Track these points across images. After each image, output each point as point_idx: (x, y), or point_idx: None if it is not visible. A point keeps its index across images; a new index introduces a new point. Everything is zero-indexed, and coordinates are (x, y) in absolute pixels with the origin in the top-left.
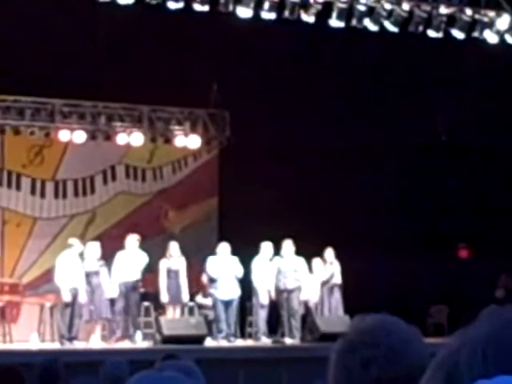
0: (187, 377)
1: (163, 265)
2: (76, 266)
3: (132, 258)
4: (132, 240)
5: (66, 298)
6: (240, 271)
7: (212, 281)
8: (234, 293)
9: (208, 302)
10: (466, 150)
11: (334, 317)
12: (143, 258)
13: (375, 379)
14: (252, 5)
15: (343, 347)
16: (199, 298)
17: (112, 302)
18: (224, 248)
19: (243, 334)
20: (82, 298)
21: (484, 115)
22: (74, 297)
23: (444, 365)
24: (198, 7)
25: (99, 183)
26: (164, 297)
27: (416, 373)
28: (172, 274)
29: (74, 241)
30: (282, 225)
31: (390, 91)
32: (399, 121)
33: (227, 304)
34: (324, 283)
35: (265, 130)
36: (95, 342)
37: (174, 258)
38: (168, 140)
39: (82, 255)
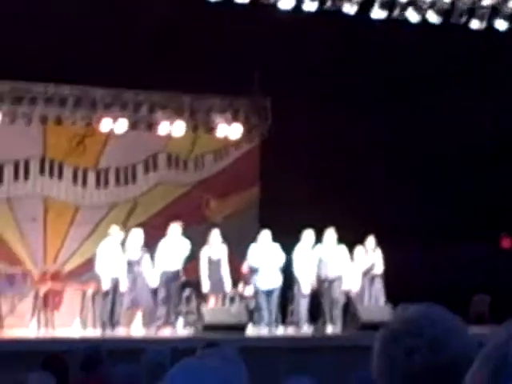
0: (229, 364)
1: (204, 253)
2: (117, 254)
3: (175, 246)
4: (175, 228)
5: (106, 286)
6: (282, 259)
7: (253, 270)
8: (275, 282)
9: (249, 291)
10: (509, 139)
11: (375, 306)
12: (186, 246)
13: (419, 368)
14: None
15: (387, 336)
16: (240, 287)
17: (153, 290)
18: (265, 236)
19: (284, 323)
20: (123, 287)
21: None
22: (115, 285)
23: (492, 356)
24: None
25: (141, 172)
26: (205, 286)
27: (460, 362)
28: (213, 263)
29: (114, 229)
30: (323, 213)
31: (431, 82)
32: (441, 112)
33: (268, 293)
34: (365, 272)
35: (306, 119)
36: (136, 329)
37: (216, 247)
38: (209, 129)
39: (123, 243)
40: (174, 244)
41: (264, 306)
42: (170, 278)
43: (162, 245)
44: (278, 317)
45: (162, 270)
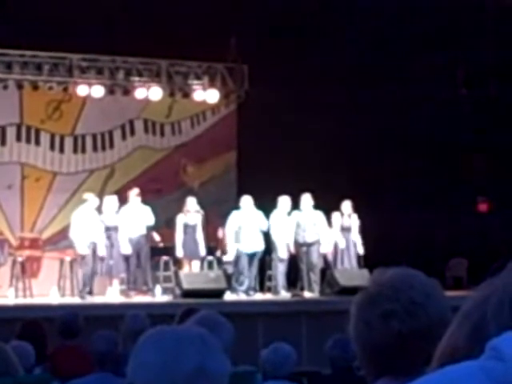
0: (211, 330)
1: (180, 220)
2: (93, 220)
3: (137, 213)
4: (135, 195)
5: (82, 251)
6: (264, 224)
7: (234, 234)
8: (257, 246)
9: (228, 257)
10: (483, 102)
11: (353, 270)
12: (147, 212)
13: (396, 332)
14: None
15: (364, 300)
16: (218, 253)
17: (127, 257)
18: (247, 201)
19: (262, 288)
20: (101, 252)
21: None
22: (93, 251)
23: (471, 315)
24: None
25: (118, 138)
26: (179, 252)
27: (437, 326)
28: (189, 229)
29: (88, 195)
30: (301, 178)
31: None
32: (416, 72)
33: (251, 256)
34: (342, 237)
35: (283, 84)
36: (114, 296)
37: (192, 213)
38: (186, 94)
39: (99, 209)
40: (136, 211)
41: (246, 271)
42: (137, 245)
43: (124, 212)
44: (256, 282)
45: (127, 236)
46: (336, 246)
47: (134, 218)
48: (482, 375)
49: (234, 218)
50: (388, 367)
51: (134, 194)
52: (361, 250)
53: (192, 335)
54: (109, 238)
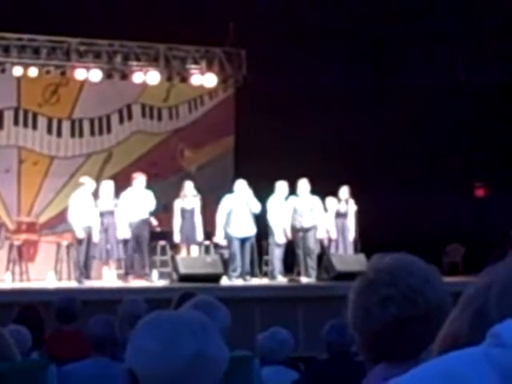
0: (208, 315)
1: (178, 205)
2: (89, 204)
3: (139, 197)
4: (141, 179)
5: (80, 235)
6: (257, 207)
7: (226, 218)
8: (249, 230)
9: (224, 241)
10: (483, 89)
11: (349, 256)
12: (150, 197)
13: (393, 318)
14: None
15: (362, 286)
16: (215, 238)
17: (125, 241)
18: (240, 185)
19: (259, 273)
20: (96, 237)
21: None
22: (89, 235)
23: (473, 302)
24: None
25: (115, 122)
26: (176, 237)
27: (435, 312)
28: (187, 214)
29: (85, 179)
30: (298, 163)
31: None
32: (416, 62)
33: (242, 241)
34: (338, 222)
35: (281, 69)
36: (111, 281)
37: (189, 198)
38: (184, 79)
39: (95, 194)
40: (138, 195)
41: (238, 255)
42: (136, 229)
43: (126, 196)
44: (254, 267)
45: (128, 220)
46: (336, 232)
47: (136, 202)
48: (484, 362)
49: (225, 201)
50: (386, 353)
51: (141, 178)
52: (351, 236)
53: (190, 320)
54: (104, 222)
